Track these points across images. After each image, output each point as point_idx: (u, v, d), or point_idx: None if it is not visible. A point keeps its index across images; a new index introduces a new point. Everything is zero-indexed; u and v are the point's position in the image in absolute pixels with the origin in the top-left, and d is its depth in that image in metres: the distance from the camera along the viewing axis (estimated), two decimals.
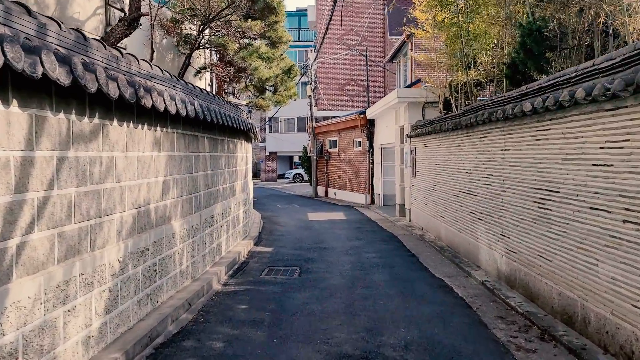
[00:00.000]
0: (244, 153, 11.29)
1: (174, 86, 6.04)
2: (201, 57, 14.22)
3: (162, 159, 5.97)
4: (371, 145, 20.03)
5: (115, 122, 4.79)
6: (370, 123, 20.01)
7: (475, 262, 8.58)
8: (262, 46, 12.19)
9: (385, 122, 18.00)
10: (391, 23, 30.64)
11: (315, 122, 25.49)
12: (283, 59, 14.47)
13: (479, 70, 10.66)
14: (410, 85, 18.46)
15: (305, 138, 36.97)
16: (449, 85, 12.87)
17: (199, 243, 7.32)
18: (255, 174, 46.97)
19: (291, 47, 34.64)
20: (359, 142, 21.19)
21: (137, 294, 5.25)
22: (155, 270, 5.74)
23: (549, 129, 5.88)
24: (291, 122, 39.92)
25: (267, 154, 41.22)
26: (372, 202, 20.08)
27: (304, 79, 37.96)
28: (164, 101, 5.36)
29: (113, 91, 4.21)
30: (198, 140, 7.37)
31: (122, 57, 4.78)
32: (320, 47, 25.16)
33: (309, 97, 24.77)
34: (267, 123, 39.18)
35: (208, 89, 14.61)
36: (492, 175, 7.77)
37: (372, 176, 20.07)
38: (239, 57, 12.07)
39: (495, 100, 7.62)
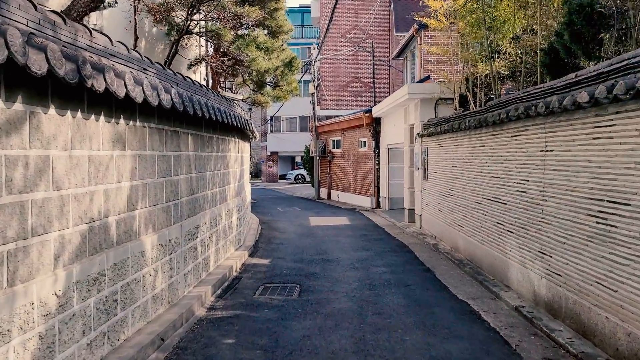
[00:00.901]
0: (238, 153, 10.07)
1: (144, 69, 4.82)
2: (195, 49, 12.99)
3: (127, 160, 4.74)
4: (377, 146, 18.79)
5: (52, 110, 3.56)
6: (377, 122, 18.77)
7: (503, 280, 7.33)
8: (261, 35, 10.96)
9: (392, 121, 16.76)
10: (397, 19, 29.46)
11: (318, 121, 24.25)
12: (284, 50, 13.22)
13: (503, 60, 9.41)
14: (420, 82, 17.20)
15: (308, 138, 35.76)
16: (466, 79, 11.63)
17: (179, 260, 6.09)
18: (257, 175, 45.80)
19: (294, 44, 33.43)
20: (364, 142, 19.95)
21: (87, 335, 4.02)
22: (116, 301, 4.51)
23: (614, 125, 4.64)
24: (293, 121, 38.69)
25: (269, 154, 40.00)
26: (378, 205, 18.84)
27: (307, 77, 36.77)
28: (125, 85, 4.13)
29: (37, 65, 2.99)
30: (179, 137, 6.15)
31: (65, 24, 3.56)
32: (323, 41, 23.94)
33: (312, 94, 23.54)
34: (269, 122, 37.95)
35: (204, 83, 13.38)
36: (527, 180, 6.53)
37: (378, 178, 18.83)
38: (235, 47, 10.83)
39: (532, 92, 6.37)
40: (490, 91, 10.52)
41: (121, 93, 4.05)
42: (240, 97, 11.45)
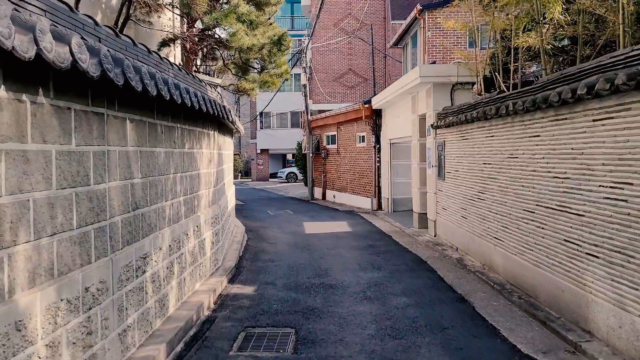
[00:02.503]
0: (214, 149, 7.84)
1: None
2: (168, 29, 10.72)
3: None
4: (378, 141, 16.61)
5: None
6: (377, 114, 16.59)
7: (578, 322, 5.18)
8: (242, 4, 8.72)
9: (396, 112, 14.58)
10: (393, 6, 27.31)
11: (311, 115, 22.02)
12: (271, 24, 10.96)
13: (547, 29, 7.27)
14: (432, 64, 15.05)
15: (300, 134, 33.53)
16: (491, 58, 9.49)
17: (107, 316, 3.86)
18: (246, 173, 43.53)
19: None
20: (363, 136, 17.77)
21: None
22: None
23: None
24: (284, 117, 36.41)
25: (259, 151, 37.70)
26: (379, 207, 16.68)
27: (297, 70, 34.54)
28: None
29: None
30: (107, 123, 3.92)
31: None
32: (314, 28, 21.70)
33: (304, 86, 21.32)
34: (258, 118, 35.63)
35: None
36: (628, 184, 4.38)
37: (379, 177, 16.66)
38: (211, 18, 8.58)
39: (621, 57, 4.23)
40: (515, 73, 8.41)
41: None
42: (219, 81, 9.34)
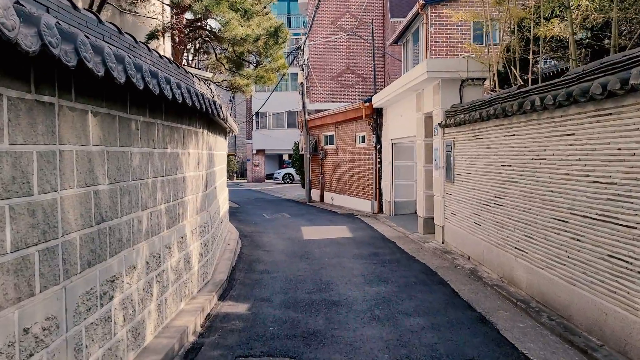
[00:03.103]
0: (203, 149, 7.01)
1: None
2: (157, 19, 9.87)
3: None
4: (378, 141, 15.80)
5: None
6: (378, 113, 15.79)
7: (628, 351, 4.38)
8: None
9: (399, 111, 13.78)
10: (392, 3, 26.57)
11: (308, 115, 21.18)
12: (267, 14, 10.12)
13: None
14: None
15: (296, 134, 32.70)
16: (508, 50, 8.71)
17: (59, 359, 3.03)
18: (242, 174, 42.69)
19: None
20: (363, 136, 16.96)
21: None
22: None
23: None
24: (280, 117, 35.55)
25: (254, 152, 36.83)
26: (380, 210, 15.87)
27: (294, 69, 33.73)
28: None
29: None
30: (59, 116, 3.10)
31: None
32: (312, 24, 20.91)
33: (301, 84, 20.48)
34: (254, 118, 34.76)
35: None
36: None
37: (380, 178, 15.85)
38: (202, 7, 7.76)
39: None
40: (533, 66, 7.62)
41: None
42: (209, 75, 8.49)
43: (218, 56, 10.00)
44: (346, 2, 27.52)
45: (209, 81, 8.05)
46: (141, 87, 3.62)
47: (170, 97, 4.30)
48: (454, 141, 9.43)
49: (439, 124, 10.05)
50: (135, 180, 4.27)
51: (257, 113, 33.74)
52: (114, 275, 3.81)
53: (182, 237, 5.69)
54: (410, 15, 17.38)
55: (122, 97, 4.02)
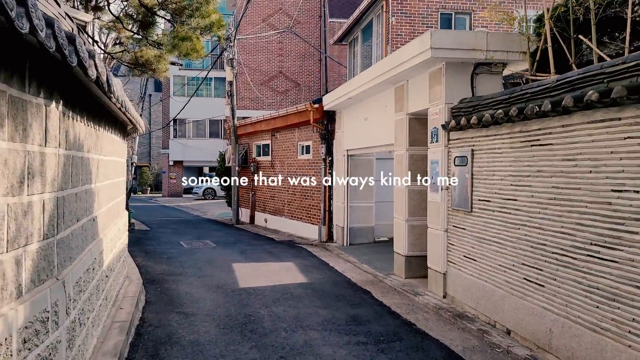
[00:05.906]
0: (47, 145, 3.17)
1: None
2: None
3: None
4: (329, 152, 12.44)
5: None
6: (329, 118, 12.47)
7: None
8: None
9: (362, 113, 10.53)
10: (332, 3, 23.65)
11: (237, 121, 17.41)
12: None
13: None
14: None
15: (219, 145, 28.64)
16: (558, 19, 5.76)
17: None
18: (157, 187, 37.73)
19: None
20: (308, 146, 13.54)
21: None
22: None
23: None
24: (201, 125, 31.26)
25: (171, 163, 32.16)
26: (330, 237, 12.47)
27: (217, 73, 29.71)
28: None
29: None
30: None
31: None
32: (241, 18, 17.33)
33: (229, 83, 16.75)
34: (171, 125, 30.20)
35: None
36: None
37: (330, 199, 12.48)
38: None
39: None
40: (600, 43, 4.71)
41: None
42: (88, 17, 4.83)
43: (117, 13, 6.16)
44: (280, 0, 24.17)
45: (88, 25, 4.18)
46: None
47: None
48: (472, 150, 6.25)
49: (443, 126, 6.86)
50: None
51: (175, 120, 29.26)
52: None
53: None
54: (363, 5, 14.32)
55: None
